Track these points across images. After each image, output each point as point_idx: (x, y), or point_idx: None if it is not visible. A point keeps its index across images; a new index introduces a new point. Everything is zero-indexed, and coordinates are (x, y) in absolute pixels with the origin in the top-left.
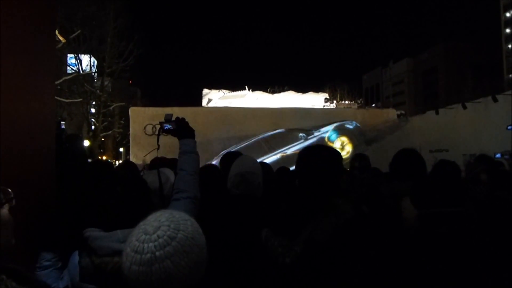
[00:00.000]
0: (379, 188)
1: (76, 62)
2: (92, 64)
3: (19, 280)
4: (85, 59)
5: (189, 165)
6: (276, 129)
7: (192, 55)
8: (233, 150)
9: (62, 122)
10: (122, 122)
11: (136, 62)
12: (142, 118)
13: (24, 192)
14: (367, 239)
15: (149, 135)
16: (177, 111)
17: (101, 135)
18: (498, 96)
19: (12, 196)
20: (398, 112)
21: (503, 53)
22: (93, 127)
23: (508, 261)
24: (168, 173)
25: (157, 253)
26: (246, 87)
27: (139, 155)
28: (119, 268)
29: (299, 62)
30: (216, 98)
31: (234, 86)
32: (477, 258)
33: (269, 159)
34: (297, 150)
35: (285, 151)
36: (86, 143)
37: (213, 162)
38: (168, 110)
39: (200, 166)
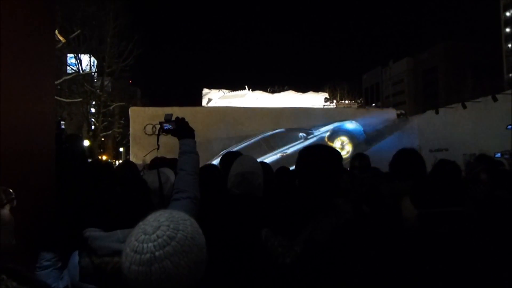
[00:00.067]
0: (379, 188)
1: (76, 62)
2: (92, 64)
3: (19, 280)
4: (85, 59)
5: (189, 165)
6: (276, 129)
7: (192, 55)
8: (233, 150)
9: (62, 122)
10: (122, 122)
11: (136, 62)
12: (142, 118)
13: (24, 192)
14: (367, 239)
15: (149, 135)
16: (177, 111)
17: (101, 135)
18: (498, 96)
19: (13, 196)
20: (398, 112)
21: (503, 53)
22: (93, 127)
23: (508, 261)
24: (168, 173)
25: (157, 253)
26: (246, 86)
27: (139, 155)
28: (119, 268)
29: (299, 62)
30: (216, 98)
31: (234, 86)
32: (477, 257)
33: (269, 158)
34: (297, 149)
35: (285, 151)
36: (86, 143)
37: (213, 162)
38: (168, 110)
39: (200, 166)
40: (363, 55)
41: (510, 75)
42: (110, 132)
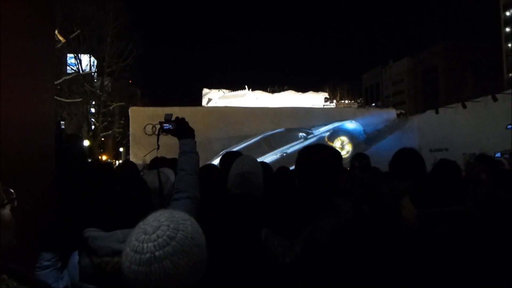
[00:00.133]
0: (379, 188)
1: (76, 62)
2: (92, 64)
3: (20, 280)
4: (85, 59)
5: (189, 165)
6: (276, 129)
7: (192, 55)
8: (233, 150)
9: (62, 122)
10: (122, 122)
11: (136, 62)
12: (142, 118)
13: (24, 192)
14: (367, 239)
15: (149, 135)
16: (177, 111)
17: (101, 135)
18: (498, 95)
19: (14, 196)
20: (398, 112)
21: (503, 52)
22: (93, 127)
23: (508, 261)
24: (168, 173)
25: (157, 253)
26: (246, 86)
27: (139, 155)
28: (119, 268)
29: (299, 61)
30: (216, 97)
31: (234, 85)
32: (477, 257)
33: (269, 158)
34: (297, 149)
35: (285, 151)
36: (86, 143)
37: (213, 162)
38: (168, 110)
39: (200, 166)
40: (363, 55)
41: (510, 75)
42: (110, 132)
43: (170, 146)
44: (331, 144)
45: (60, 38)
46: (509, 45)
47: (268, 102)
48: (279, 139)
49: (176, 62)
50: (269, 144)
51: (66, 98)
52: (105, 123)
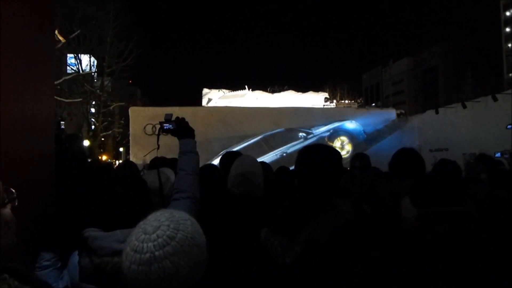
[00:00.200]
0: (379, 188)
1: (76, 62)
2: (92, 64)
3: (21, 279)
4: (85, 59)
5: (189, 165)
6: (276, 129)
7: (192, 55)
8: (233, 150)
9: (62, 122)
10: (122, 122)
11: (136, 62)
12: (142, 118)
13: (24, 192)
14: (367, 239)
15: (149, 135)
16: (177, 111)
17: (101, 135)
18: (498, 95)
19: (15, 195)
20: (398, 112)
21: (503, 52)
22: (93, 127)
23: (508, 261)
24: (169, 172)
25: (156, 253)
26: (246, 86)
27: (139, 155)
28: (118, 268)
29: (299, 61)
30: (216, 97)
31: (234, 85)
32: (478, 257)
33: (269, 158)
34: (297, 149)
35: (285, 151)
36: (86, 143)
37: (213, 162)
38: (168, 110)
39: (200, 166)
40: (363, 55)
41: (510, 74)
42: (110, 132)
43: (170, 146)
44: (331, 144)
45: (60, 38)
46: (509, 45)
47: (268, 102)
48: (279, 139)
49: (176, 62)
50: (269, 144)
51: (66, 98)
52: (105, 123)
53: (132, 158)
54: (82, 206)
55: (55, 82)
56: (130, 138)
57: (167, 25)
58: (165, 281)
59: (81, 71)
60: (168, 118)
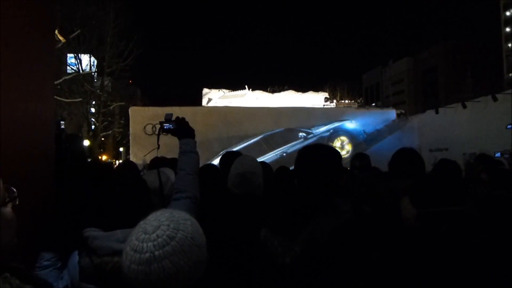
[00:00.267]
0: (378, 187)
1: (76, 62)
2: (92, 63)
3: (22, 278)
4: (85, 59)
5: (189, 165)
6: (276, 129)
7: (192, 55)
8: (233, 149)
9: (62, 122)
10: (122, 121)
11: (136, 62)
12: (142, 117)
13: (23, 192)
14: (367, 239)
15: (149, 134)
16: (177, 111)
17: (101, 134)
18: (498, 95)
19: (16, 195)
20: (398, 112)
21: (503, 52)
22: (93, 127)
23: (509, 261)
24: (169, 172)
25: (156, 253)
26: (246, 86)
27: (139, 154)
28: (118, 268)
29: (299, 61)
30: (216, 97)
31: (234, 85)
32: (478, 257)
33: (269, 158)
34: (297, 149)
35: (285, 151)
36: (86, 143)
37: (213, 162)
38: (168, 109)
39: (200, 166)
40: (363, 55)
41: (510, 74)
42: (110, 132)
43: (170, 146)
44: (331, 144)
45: (60, 38)
46: (509, 45)
47: (268, 102)
48: (279, 139)
49: (176, 62)
50: (269, 144)
51: (66, 98)
52: (105, 123)
53: (132, 158)
54: (82, 206)
55: (55, 82)
56: (130, 138)
57: (167, 25)
58: (165, 281)
59: (81, 71)
60: (168, 118)
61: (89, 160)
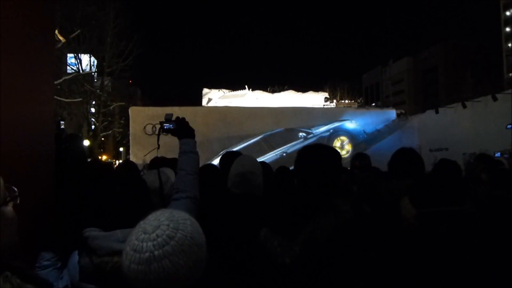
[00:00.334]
0: (378, 187)
1: (76, 62)
2: (92, 63)
3: (22, 277)
4: (85, 58)
5: (189, 165)
6: (276, 129)
7: (192, 55)
8: (233, 149)
9: (62, 122)
10: (122, 121)
11: (136, 61)
12: (142, 117)
13: (23, 192)
14: (367, 238)
15: (149, 134)
16: (177, 111)
17: (101, 134)
18: (498, 95)
19: (17, 194)
20: (398, 111)
21: (503, 52)
22: (93, 126)
23: (509, 261)
24: (169, 172)
25: (156, 252)
26: (246, 86)
27: (139, 154)
28: (118, 268)
29: (299, 61)
30: (216, 97)
31: (234, 85)
32: (477, 257)
33: (269, 158)
34: (297, 149)
35: (285, 151)
36: (86, 143)
37: (213, 162)
38: (168, 109)
39: (200, 166)
40: (363, 55)
41: (510, 74)
42: (110, 132)
43: (170, 146)
44: (331, 144)
45: (60, 38)
46: (509, 44)
47: (268, 102)
48: (279, 139)
49: (176, 62)
50: (269, 144)
51: (66, 98)
52: (105, 123)
53: (132, 158)
54: (82, 206)
55: (55, 82)
56: (130, 138)
57: (167, 25)
58: (165, 281)
59: (81, 71)
60: (168, 118)
61: (89, 160)
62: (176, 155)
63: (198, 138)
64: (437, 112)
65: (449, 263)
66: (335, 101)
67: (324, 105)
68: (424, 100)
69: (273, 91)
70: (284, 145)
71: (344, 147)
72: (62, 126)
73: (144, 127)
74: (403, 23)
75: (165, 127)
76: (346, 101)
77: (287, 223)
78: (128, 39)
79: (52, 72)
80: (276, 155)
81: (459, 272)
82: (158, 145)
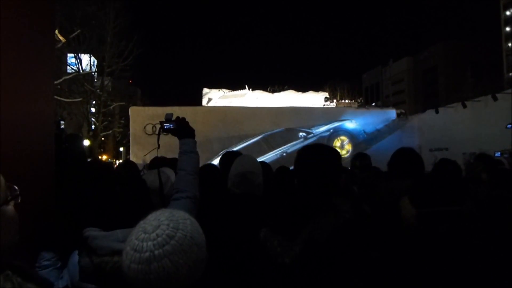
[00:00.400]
0: (378, 187)
1: (76, 62)
2: (92, 63)
3: (23, 276)
4: (85, 58)
5: (189, 164)
6: (276, 129)
7: (192, 55)
8: (233, 149)
9: (62, 122)
10: (122, 121)
11: (136, 61)
12: (142, 117)
13: (24, 192)
14: (367, 238)
15: (149, 134)
16: (177, 111)
17: (101, 134)
18: (498, 95)
19: (18, 193)
20: (398, 111)
21: (503, 52)
22: (93, 126)
23: (509, 261)
24: (169, 172)
25: (156, 252)
26: (246, 86)
27: (139, 154)
28: (118, 268)
29: (299, 61)
30: (216, 97)
31: (234, 85)
32: (477, 257)
33: (269, 158)
34: (297, 149)
35: (285, 151)
36: (86, 143)
37: (213, 162)
38: (168, 109)
39: (200, 165)
40: (363, 55)
41: (510, 74)
42: (110, 132)
43: (170, 146)
44: (331, 144)
45: (60, 38)
46: (509, 44)
47: (268, 102)
48: (279, 139)
49: (176, 62)
50: (269, 144)
51: (66, 98)
52: (105, 122)
53: (132, 158)
54: (82, 206)
55: (55, 82)
56: (130, 138)
57: (167, 25)
58: (165, 280)
59: (81, 71)
60: (168, 118)
61: (89, 160)
62: (176, 155)
63: (198, 138)
64: (437, 112)
65: (449, 263)
66: (335, 101)
67: (324, 105)
68: (424, 100)
69: (273, 91)
70: (284, 145)
71: (344, 147)
72: (62, 126)
73: (144, 127)
74: (403, 23)
75: (165, 127)
76: (346, 101)
77: (287, 223)
78: (128, 39)
79: (52, 72)
80: (276, 155)
81: (459, 272)
82: (158, 145)
